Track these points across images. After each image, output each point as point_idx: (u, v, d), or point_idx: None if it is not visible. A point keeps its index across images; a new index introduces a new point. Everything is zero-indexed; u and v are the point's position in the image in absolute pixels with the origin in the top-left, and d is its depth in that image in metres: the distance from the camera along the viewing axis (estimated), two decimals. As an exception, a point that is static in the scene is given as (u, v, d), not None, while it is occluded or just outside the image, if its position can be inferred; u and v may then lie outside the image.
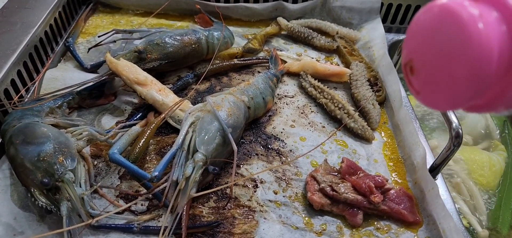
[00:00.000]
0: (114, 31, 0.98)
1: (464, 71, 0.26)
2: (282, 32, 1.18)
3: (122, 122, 0.83)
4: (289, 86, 1.00)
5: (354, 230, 0.70)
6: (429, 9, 0.29)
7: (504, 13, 0.25)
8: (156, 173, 0.62)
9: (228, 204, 0.71)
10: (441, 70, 0.28)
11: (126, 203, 0.69)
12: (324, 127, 0.89)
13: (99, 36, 1.00)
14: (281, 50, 1.10)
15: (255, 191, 0.74)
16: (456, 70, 0.27)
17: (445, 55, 0.27)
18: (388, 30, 1.24)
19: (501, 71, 0.25)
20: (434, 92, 0.29)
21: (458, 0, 0.26)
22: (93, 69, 0.94)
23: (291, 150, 0.83)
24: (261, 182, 0.76)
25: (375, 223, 0.72)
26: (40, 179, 0.61)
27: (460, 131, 0.71)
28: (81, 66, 0.94)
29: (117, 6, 1.19)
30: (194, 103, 0.89)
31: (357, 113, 0.89)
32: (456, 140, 0.71)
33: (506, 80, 0.25)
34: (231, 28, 1.13)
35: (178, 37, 0.94)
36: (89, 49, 0.98)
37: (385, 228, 0.71)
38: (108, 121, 0.84)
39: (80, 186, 0.65)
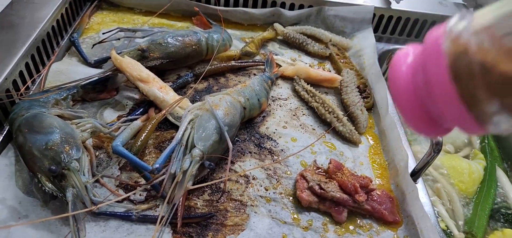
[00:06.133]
0: (118, 29, 1.02)
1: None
2: (278, 37, 1.23)
3: (124, 116, 0.87)
4: (283, 89, 1.05)
5: (338, 226, 0.75)
6: None
7: (413, 62, 0.31)
8: (157, 165, 0.66)
9: (221, 197, 0.76)
10: None
11: (126, 193, 0.73)
12: (314, 129, 0.95)
13: (103, 33, 1.04)
14: (276, 55, 1.15)
15: (247, 187, 0.79)
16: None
17: None
18: (378, 39, 1.30)
19: (412, 105, 0.31)
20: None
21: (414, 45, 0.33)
22: (97, 64, 0.98)
23: (282, 150, 0.88)
24: (253, 179, 0.80)
25: (358, 221, 0.77)
26: (48, 167, 0.65)
27: (440, 138, 0.76)
28: (85, 61, 0.98)
29: (120, 4, 1.23)
30: (192, 102, 0.94)
31: (346, 117, 0.94)
32: (436, 147, 0.76)
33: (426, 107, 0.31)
34: (230, 31, 1.18)
35: (179, 38, 0.98)
36: (94, 45, 1.02)
37: (367, 226, 0.76)
38: (110, 115, 0.89)
39: (84, 175, 0.69)
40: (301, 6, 1.28)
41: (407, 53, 0.32)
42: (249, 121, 0.93)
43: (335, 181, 0.78)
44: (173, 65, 1.00)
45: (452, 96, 0.26)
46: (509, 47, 0.24)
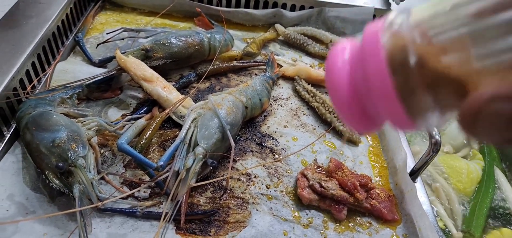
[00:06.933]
0: (121, 29, 1.04)
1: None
2: (279, 38, 1.24)
3: (128, 115, 0.89)
4: (284, 89, 1.06)
5: (338, 224, 0.77)
6: None
7: (350, 57, 0.31)
8: (162, 163, 0.68)
9: (224, 195, 0.77)
10: None
11: (130, 190, 0.74)
12: (315, 128, 0.96)
13: (107, 33, 1.06)
14: (277, 55, 1.17)
15: (248, 185, 0.80)
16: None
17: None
18: (379, 41, 1.31)
19: (348, 99, 0.31)
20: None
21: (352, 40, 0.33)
22: (101, 63, 1.00)
23: (283, 149, 0.89)
24: (255, 177, 0.82)
25: (358, 219, 0.79)
26: (55, 163, 0.66)
27: (439, 138, 0.78)
28: (90, 61, 1.00)
29: (123, 5, 1.25)
30: (195, 101, 0.95)
31: (346, 117, 0.96)
32: (435, 147, 0.78)
33: (358, 105, 0.31)
34: (231, 31, 1.20)
35: (182, 38, 1.00)
36: (98, 44, 1.03)
37: (367, 224, 0.78)
38: (114, 113, 0.90)
39: (90, 172, 0.70)
40: (302, 7, 1.29)
41: (344, 48, 0.32)
42: (250, 120, 0.94)
43: (335, 180, 0.80)
44: (176, 65, 1.01)
45: (389, 90, 0.27)
46: (439, 44, 0.25)
